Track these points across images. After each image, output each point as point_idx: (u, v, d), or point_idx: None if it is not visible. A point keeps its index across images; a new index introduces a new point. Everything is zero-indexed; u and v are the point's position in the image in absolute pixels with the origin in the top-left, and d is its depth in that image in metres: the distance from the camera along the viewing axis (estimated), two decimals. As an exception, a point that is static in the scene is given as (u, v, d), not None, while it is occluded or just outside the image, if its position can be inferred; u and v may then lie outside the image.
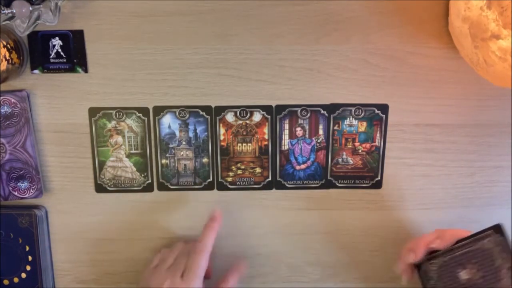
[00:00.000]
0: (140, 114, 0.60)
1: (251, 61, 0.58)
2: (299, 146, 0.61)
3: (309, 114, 0.60)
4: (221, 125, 0.61)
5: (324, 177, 0.62)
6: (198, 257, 0.56)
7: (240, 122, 0.60)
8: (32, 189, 0.61)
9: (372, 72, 0.59)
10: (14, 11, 0.50)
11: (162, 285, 0.55)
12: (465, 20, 0.50)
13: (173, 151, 0.61)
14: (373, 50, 0.58)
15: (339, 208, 0.63)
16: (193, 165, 0.62)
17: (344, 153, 0.62)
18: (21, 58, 0.56)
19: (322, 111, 0.60)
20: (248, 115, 0.60)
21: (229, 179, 0.62)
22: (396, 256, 0.65)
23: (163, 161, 0.61)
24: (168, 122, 0.60)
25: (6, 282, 0.62)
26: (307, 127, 0.61)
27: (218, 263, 0.64)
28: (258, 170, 0.62)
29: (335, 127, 0.61)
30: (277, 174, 0.62)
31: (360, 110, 0.60)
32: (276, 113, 0.60)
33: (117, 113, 0.60)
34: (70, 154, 0.61)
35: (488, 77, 0.53)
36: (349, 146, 0.61)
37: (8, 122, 0.58)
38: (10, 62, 0.54)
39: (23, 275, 0.62)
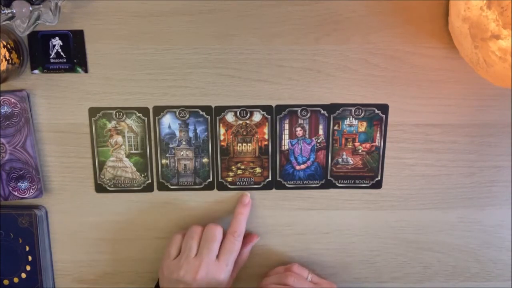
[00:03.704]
0: (140, 114, 0.60)
1: (251, 61, 0.58)
2: (299, 146, 0.61)
3: (309, 114, 0.60)
4: (221, 125, 0.61)
5: (324, 177, 0.62)
6: (236, 240, 0.58)
7: (240, 122, 0.60)
8: (32, 189, 0.61)
9: (372, 72, 0.59)
10: (14, 11, 0.50)
11: (198, 272, 0.56)
12: (465, 20, 0.50)
13: (173, 151, 0.61)
14: (373, 50, 0.58)
15: (339, 208, 0.63)
16: (193, 165, 0.62)
17: (344, 153, 0.62)
18: (21, 58, 0.56)
19: (322, 111, 0.60)
20: (248, 115, 0.60)
21: (229, 179, 0.62)
22: (396, 256, 0.65)
23: (163, 161, 0.61)
24: (168, 122, 0.60)
25: (6, 282, 0.62)
26: (307, 127, 0.61)
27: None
28: (258, 170, 0.62)
29: (335, 127, 0.61)
30: (277, 174, 0.62)
31: (360, 110, 0.60)
32: (276, 113, 0.60)
33: (117, 113, 0.60)
34: (70, 154, 0.61)
35: (488, 77, 0.53)
36: (349, 146, 0.61)
37: (8, 122, 0.58)
38: (10, 62, 0.54)
39: (23, 275, 0.62)
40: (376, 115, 0.60)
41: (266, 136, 0.61)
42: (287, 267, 0.62)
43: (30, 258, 0.62)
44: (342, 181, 0.63)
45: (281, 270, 0.62)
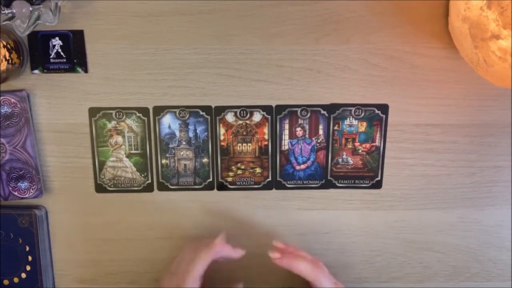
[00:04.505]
0: (140, 114, 0.60)
1: (251, 61, 0.58)
2: (299, 146, 0.61)
3: (309, 114, 0.60)
4: (221, 125, 0.61)
5: (324, 177, 0.62)
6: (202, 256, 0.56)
7: (240, 122, 0.60)
8: (32, 189, 0.61)
9: (372, 72, 0.59)
10: (14, 11, 0.50)
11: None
12: (465, 20, 0.50)
13: (173, 151, 0.61)
14: (373, 50, 0.58)
15: (339, 208, 0.63)
16: (193, 165, 0.62)
17: (344, 153, 0.62)
18: (21, 58, 0.56)
19: (322, 111, 0.60)
20: (248, 115, 0.60)
21: (229, 179, 0.62)
22: (396, 256, 0.65)
23: (163, 161, 0.61)
24: (168, 122, 0.60)
25: (6, 282, 0.62)
26: (307, 127, 0.61)
27: (217, 263, 0.64)
28: (258, 170, 0.62)
29: (335, 127, 0.61)
30: (277, 174, 0.62)
31: (360, 110, 0.60)
32: (276, 113, 0.60)
33: (117, 113, 0.60)
34: (70, 154, 0.61)
35: (488, 77, 0.53)
36: (349, 146, 0.61)
37: (8, 122, 0.58)
38: (10, 62, 0.54)
39: (23, 275, 0.62)
40: (376, 115, 0.60)
41: (266, 136, 0.61)
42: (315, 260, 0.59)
43: (30, 258, 0.62)
44: (342, 181, 0.63)
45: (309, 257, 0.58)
